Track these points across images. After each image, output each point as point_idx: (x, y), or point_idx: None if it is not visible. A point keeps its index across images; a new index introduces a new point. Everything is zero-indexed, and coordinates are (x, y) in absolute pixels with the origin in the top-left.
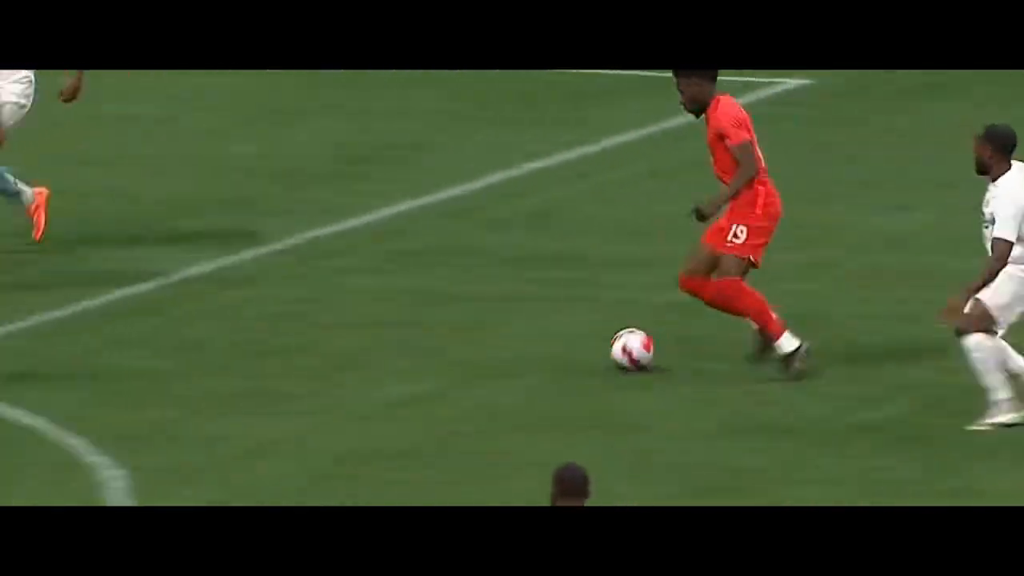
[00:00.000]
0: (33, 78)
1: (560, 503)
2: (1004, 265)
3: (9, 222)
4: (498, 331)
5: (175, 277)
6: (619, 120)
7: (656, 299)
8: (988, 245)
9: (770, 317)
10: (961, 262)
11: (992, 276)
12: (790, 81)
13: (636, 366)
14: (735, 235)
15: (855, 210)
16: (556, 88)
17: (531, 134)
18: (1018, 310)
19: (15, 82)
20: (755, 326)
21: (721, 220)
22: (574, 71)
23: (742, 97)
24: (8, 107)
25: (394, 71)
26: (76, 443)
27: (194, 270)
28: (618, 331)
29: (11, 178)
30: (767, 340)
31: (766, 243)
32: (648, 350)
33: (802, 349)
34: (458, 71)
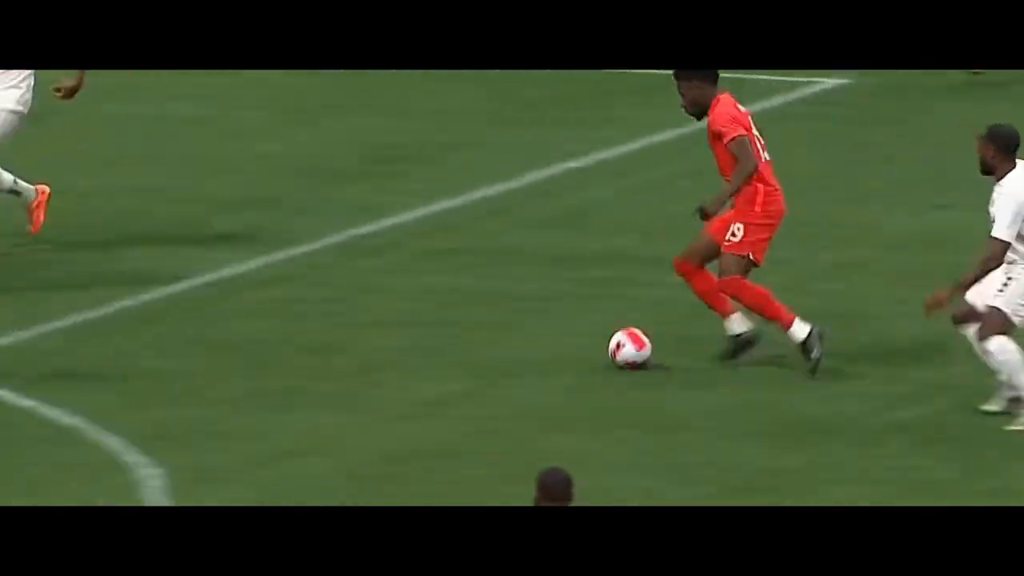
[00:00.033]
0: (32, 83)
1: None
2: (997, 264)
3: (46, 219)
4: (535, 330)
5: (210, 277)
6: (656, 119)
7: (693, 298)
8: None
9: (778, 309)
10: None
11: (982, 274)
12: (828, 81)
13: (618, 348)
14: (733, 233)
15: (892, 210)
16: (593, 87)
17: (568, 134)
18: None
19: (11, 88)
20: (732, 328)
21: (725, 216)
22: (611, 71)
23: (780, 96)
24: (2, 115)
25: (429, 70)
26: (113, 443)
27: (229, 270)
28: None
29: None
30: (780, 325)
31: (768, 239)
32: (641, 348)
33: (815, 333)
34: (494, 71)
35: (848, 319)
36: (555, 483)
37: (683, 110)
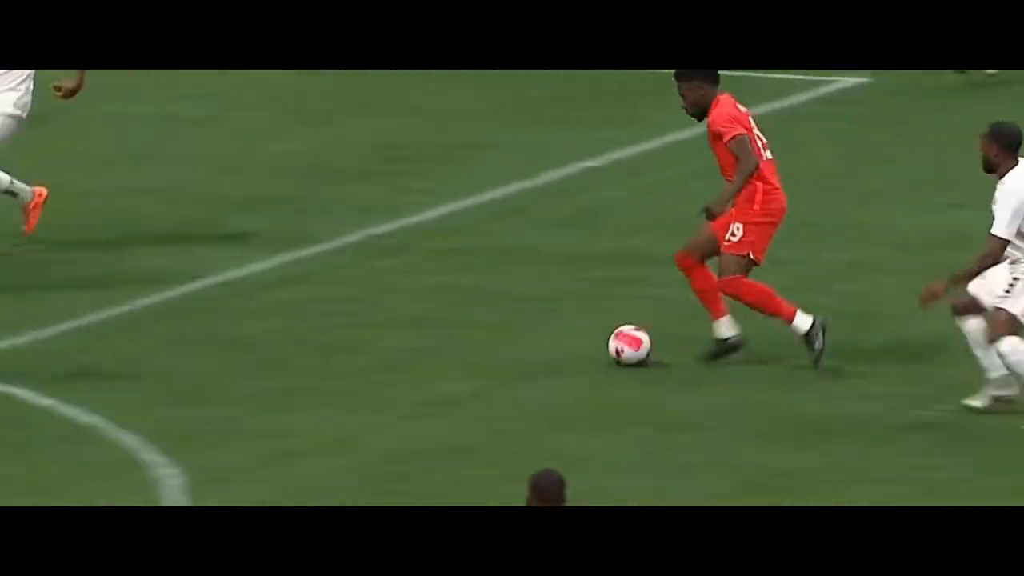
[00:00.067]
0: (31, 87)
1: None
2: (995, 262)
3: (60, 220)
4: (548, 330)
5: (223, 277)
6: (670, 119)
7: None
8: None
9: (779, 304)
10: None
11: (979, 271)
12: (844, 80)
13: (619, 355)
14: (732, 233)
15: (906, 209)
16: (607, 87)
17: (582, 133)
18: None
19: (8, 91)
20: (720, 332)
21: (728, 214)
22: (626, 70)
23: (796, 96)
24: (0, 119)
25: (441, 70)
26: (131, 441)
27: (244, 269)
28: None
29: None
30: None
31: (768, 237)
32: (639, 347)
33: (817, 323)
34: (508, 70)
35: (861, 318)
36: (548, 484)
37: (684, 111)
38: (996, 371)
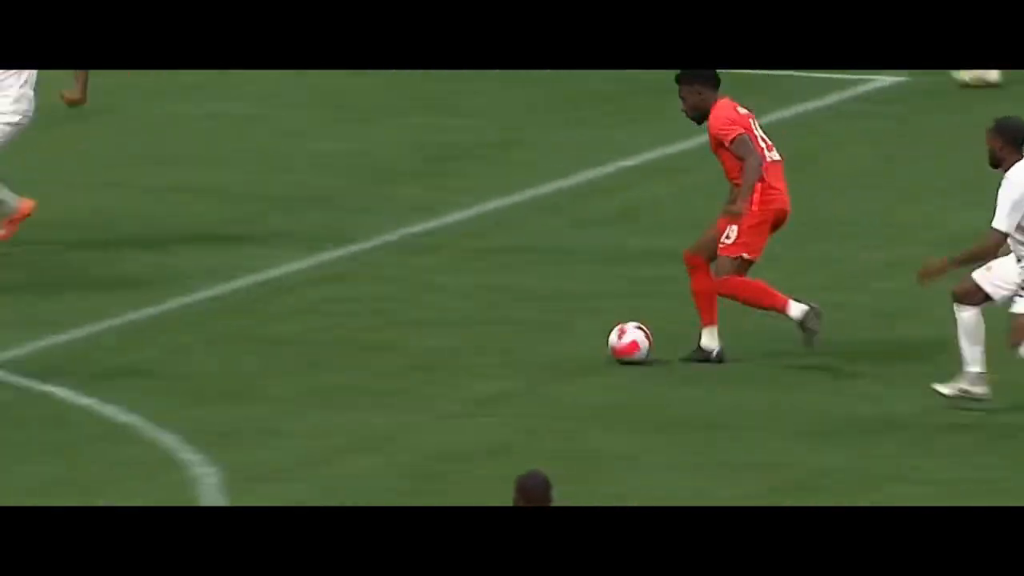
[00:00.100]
0: (32, 95)
1: None
2: (991, 254)
3: (102, 218)
4: (586, 329)
5: (264, 275)
6: None
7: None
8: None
9: (773, 298)
10: None
11: (975, 259)
12: (883, 78)
13: (614, 351)
14: (727, 235)
15: (946, 207)
16: (645, 85)
17: (620, 131)
18: None
19: (11, 99)
20: (703, 340)
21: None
22: (660, 70)
23: (835, 94)
24: None
25: (482, 70)
26: (170, 440)
27: (284, 268)
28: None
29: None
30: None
31: (763, 235)
32: (635, 351)
33: (810, 311)
34: (548, 70)
35: (901, 317)
36: (534, 486)
37: (684, 114)
38: (974, 367)
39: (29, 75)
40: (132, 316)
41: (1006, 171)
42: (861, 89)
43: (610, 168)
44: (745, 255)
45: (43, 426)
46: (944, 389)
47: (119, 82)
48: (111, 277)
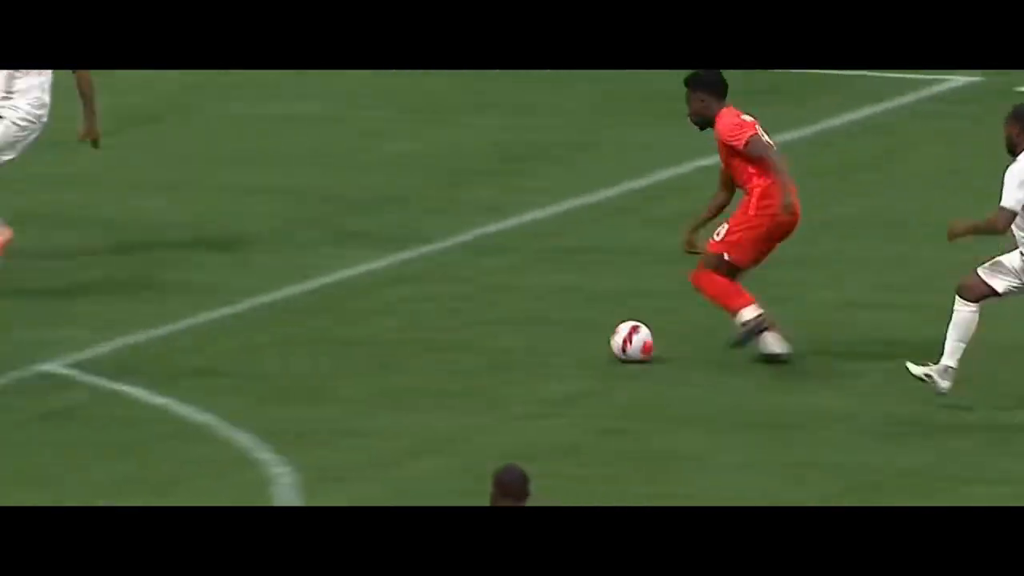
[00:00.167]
0: (48, 100)
1: (499, 504)
2: (999, 232)
3: (177, 219)
4: (660, 329)
5: (339, 276)
6: (779, 119)
7: (823, 296)
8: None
9: (737, 298)
10: None
11: (985, 231)
12: (958, 78)
13: (623, 355)
14: (717, 232)
15: None
16: None
17: (692, 132)
18: None
19: (27, 103)
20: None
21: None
22: (730, 70)
23: (910, 94)
24: (4, 124)
25: (558, 70)
26: (244, 440)
27: (359, 268)
28: (623, 323)
29: None
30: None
31: (758, 240)
32: (647, 353)
33: (756, 325)
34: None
35: (979, 318)
36: (511, 480)
37: (688, 119)
38: (949, 361)
39: (48, 80)
40: (207, 317)
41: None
42: (936, 89)
43: (684, 168)
44: (727, 256)
45: (117, 426)
46: (915, 369)
47: (194, 82)
48: (186, 278)
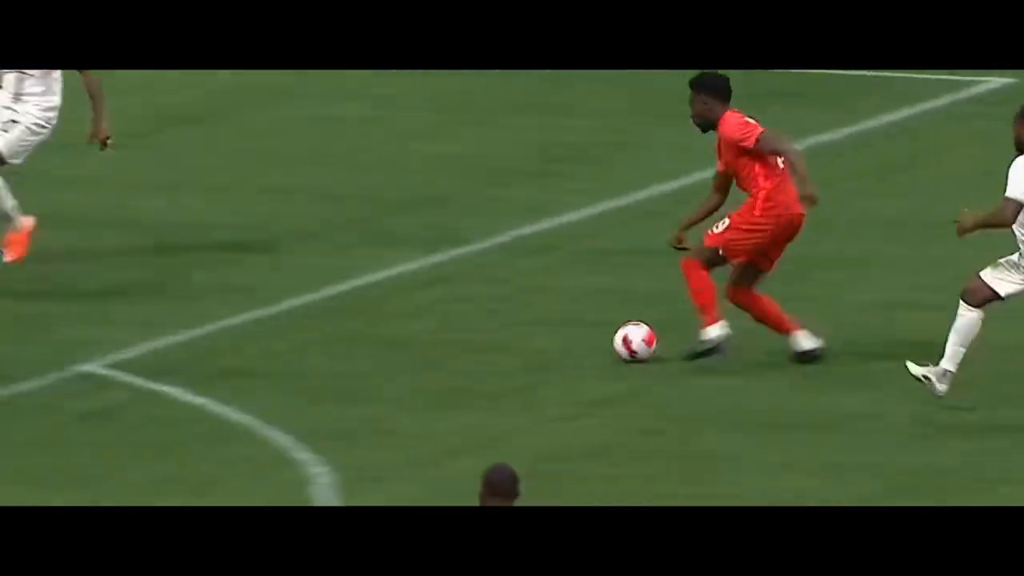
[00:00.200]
0: (58, 102)
1: (489, 503)
2: (1004, 224)
3: (216, 219)
4: (696, 330)
5: (377, 276)
6: (815, 121)
7: (860, 298)
8: None
9: (711, 309)
10: None
11: (991, 224)
12: (994, 80)
13: (633, 357)
14: (716, 225)
15: None
16: (750, 88)
17: None
18: None
19: (39, 107)
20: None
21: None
22: (767, 71)
23: (946, 96)
24: (19, 129)
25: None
26: (282, 440)
27: (397, 269)
28: (624, 322)
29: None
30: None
31: (758, 242)
32: (650, 344)
33: (721, 345)
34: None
35: (1011, 318)
36: (501, 480)
37: (691, 120)
38: (948, 364)
39: (59, 81)
40: (247, 317)
41: None
42: (973, 91)
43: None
44: (721, 252)
45: (155, 425)
46: (913, 368)
47: (237, 84)
48: (227, 278)
